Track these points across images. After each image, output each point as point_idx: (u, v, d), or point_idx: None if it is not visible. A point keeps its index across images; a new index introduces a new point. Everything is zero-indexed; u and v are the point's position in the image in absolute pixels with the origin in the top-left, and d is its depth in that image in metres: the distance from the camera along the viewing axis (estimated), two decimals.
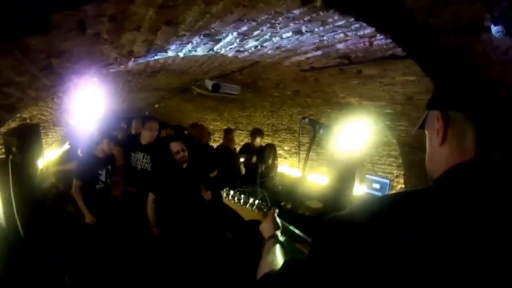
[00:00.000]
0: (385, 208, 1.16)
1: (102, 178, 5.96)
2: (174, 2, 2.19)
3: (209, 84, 7.15)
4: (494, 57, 3.40)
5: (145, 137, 6.55)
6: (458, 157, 1.26)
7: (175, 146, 5.42)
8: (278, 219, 2.26)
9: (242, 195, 2.43)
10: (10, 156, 4.54)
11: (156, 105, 13.05)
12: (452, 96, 1.36)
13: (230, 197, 2.44)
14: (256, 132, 8.61)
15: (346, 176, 7.36)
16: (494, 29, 2.73)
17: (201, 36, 3.14)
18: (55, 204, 7.05)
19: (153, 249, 5.56)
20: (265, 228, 2.20)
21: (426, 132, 1.44)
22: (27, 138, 4.89)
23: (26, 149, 4.81)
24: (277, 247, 1.95)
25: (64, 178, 7.25)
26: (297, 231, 2.48)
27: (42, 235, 5.31)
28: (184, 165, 5.48)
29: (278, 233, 2.12)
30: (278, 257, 1.83)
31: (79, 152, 7.14)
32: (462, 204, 1.10)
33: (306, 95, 7.66)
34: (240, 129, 12.95)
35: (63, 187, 7.36)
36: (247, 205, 2.35)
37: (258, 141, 8.53)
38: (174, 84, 8.72)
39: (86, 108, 5.99)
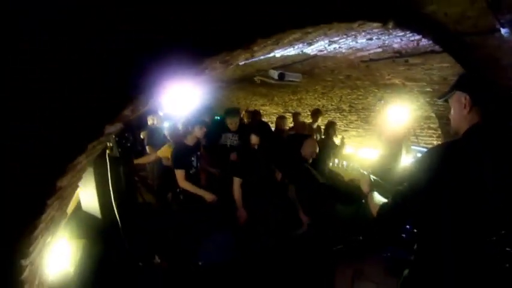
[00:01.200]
0: (446, 146, 2.37)
1: (194, 164, 6.26)
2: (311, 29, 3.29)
3: (274, 74, 7.80)
4: (507, 49, 4.67)
5: (232, 125, 7.32)
6: (475, 121, 2.32)
7: (254, 139, 6.12)
8: (372, 177, 3.20)
9: (345, 163, 3.46)
10: (107, 151, 4.62)
11: (208, 95, 13.42)
12: (475, 87, 2.40)
13: (336, 164, 3.47)
14: (317, 113, 9.50)
15: (394, 148, 8.11)
16: (503, 30, 3.97)
17: (304, 44, 4.21)
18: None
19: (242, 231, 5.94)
20: (364, 186, 3.15)
21: (453, 103, 2.46)
22: (125, 132, 5.20)
23: (123, 144, 5.13)
24: (376, 195, 2.94)
25: (155, 171, 7.70)
26: (382, 182, 3.25)
27: (134, 225, 5.48)
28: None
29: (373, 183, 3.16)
30: (380, 198, 2.84)
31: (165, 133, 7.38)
32: (479, 144, 2.22)
33: (357, 78, 8.41)
34: (290, 112, 13.31)
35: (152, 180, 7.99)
36: (349, 169, 3.39)
37: (320, 120, 9.40)
38: (236, 75, 9.42)
39: (180, 101, 6.80)
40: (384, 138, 8.41)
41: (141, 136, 8.69)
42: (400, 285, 2.52)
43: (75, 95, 1.89)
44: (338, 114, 11.51)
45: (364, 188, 3.10)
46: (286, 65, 7.48)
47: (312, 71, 8.30)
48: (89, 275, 3.79)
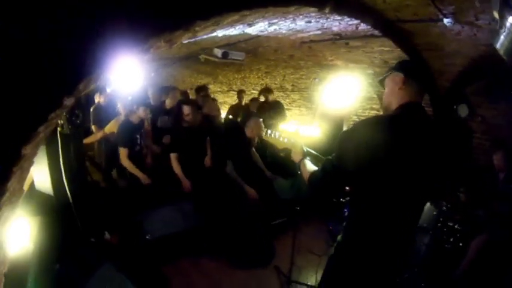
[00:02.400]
0: (373, 120, 2.60)
1: (138, 141, 6.51)
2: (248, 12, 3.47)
3: (218, 52, 7.88)
4: (450, 36, 5.04)
5: (169, 104, 7.65)
6: (405, 100, 2.60)
7: (186, 109, 6.28)
8: (305, 148, 3.41)
9: (277, 133, 3.66)
10: (58, 128, 4.60)
11: (153, 74, 12.88)
12: (409, 70, 2.66)
13: (268, 134, 3.68)
14: (267, 91, 9.88)
15: (334, 126, 8.39)
16: (445, 20, 4.29)
17: (245, 25, 4.37)
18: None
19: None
20: (296, 154, 3.35)
21: (388, 82, 2.72)
22: (75, 109, 5.06)
23: (73, 121, 4.98)
24: (308, 162, 3.20)
25: (103, 149, 7.70)
26: (314, 152, 3.48)
27: (86, 201, 5.37)
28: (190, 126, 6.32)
29: (306, 153, 3.41)
30: (311, 166, 3.08)
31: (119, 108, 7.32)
32: (407, 120, 2.51)
33: (300, 58, 8.70)
34: (234, 90, 13.68)
35: (99, 157, 8.00)
36: (281, 138, 3.60)
37: (270, 98, 9.77)
38: (182, 53, 9.48)
39: (125, 79, 6.80)
40: (323, 117, 8.72)
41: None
42: (334, 249, 2.76)
43: (37, 69, 1.99)
44: (281, 93, 11.75)
45: (296, 156, 3.30)
46: (231, 44, 7.61)
47: (255, 50, 8.52)
48: (46, 252, 3.85)
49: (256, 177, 6.64)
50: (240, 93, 10.77)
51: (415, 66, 2.73)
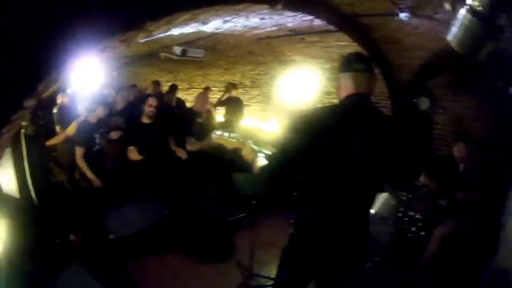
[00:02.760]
0: (321, 109, 2.78)
1: (97, 141, 6.53)
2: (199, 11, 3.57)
3: (177, 49, 7.98)
4: (408, 30, 5.21)
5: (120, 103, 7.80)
6: (352, 90, 2.74)
7: (150, 100, 6.31)
8: (253, 146, 3.54)
9: (226, 133, 3.76)
10: (22, 130, 4.62)
11: (114, 72, 12.92)
12: (340, 65, 2.86)
13: (218, 134, 3.78)
14: (233, 86, 10.14)
15: None
16: (402, 14, 4.45)
17: (199, 23, 4.44)
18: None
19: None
20: (248, 154, 3.49)
21: (339, 76, 2.86)
22: (38, 111, 5.06)
23: (37, 122, 5.06)
24: (260, 159, 3.36)
25: (66, 150, 7.51)
26: (266, 151, 3.64)
27: (51, 202, 5.42)
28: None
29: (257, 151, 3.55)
30: (264, 161, 3.24)
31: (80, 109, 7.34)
32: (350, 109, 2.69)
33: (259, 54, 8.82)
34: (194, 88, 13.84)
35: (63, 158, 7.75)
36: (231, 138, 3.69)
37: (234, 93, 10.02)
38: (142, 51, 9.52)
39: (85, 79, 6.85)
40: (282, 112, 8.86)
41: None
42: (290, 234, 2.94)
43: None
44: (241, 89, 11.77)
45: (248, 155, 3.43)
46: (190, 41, 7.68)
47: (215, 47, 8.56)
48: (15, 253, 3.85)
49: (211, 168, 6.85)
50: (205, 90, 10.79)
51: (345, 60, 2.88)
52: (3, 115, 2.15)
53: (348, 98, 2.76)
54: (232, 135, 3.60)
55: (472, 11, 2.86)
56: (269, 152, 3.41)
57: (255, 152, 3.43)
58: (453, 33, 3.27)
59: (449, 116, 7.39)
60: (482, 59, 3.31)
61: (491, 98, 6.45)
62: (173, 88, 10.59)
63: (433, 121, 7.70)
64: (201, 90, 10.67)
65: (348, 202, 2.69)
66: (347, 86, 2.76)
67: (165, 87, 13.27)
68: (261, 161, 3.29)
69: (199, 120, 7.11)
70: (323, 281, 3.03)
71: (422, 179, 5.81)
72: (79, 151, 6.26)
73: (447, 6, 3.19)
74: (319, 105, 2.89)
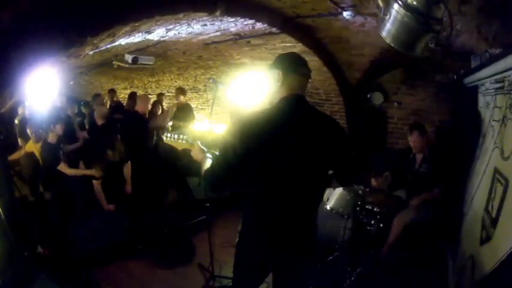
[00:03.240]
0: (257, 113, 2.86)
1: (60, 157, 6.68)
2: (138, 23, 3.72)
3: (129, 58, 8.05)
4: (354, 28, 5.34)
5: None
6: (286, 92, 2.82)
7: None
8: (202, 146, 3.60)
9: (176, 135, 3.89)
10: None
11: (71, 82, 13.32)
12: (285, 63, 2.93)
13: (168, 137, 3.91)
14: (181, 91, 10.16)
15: None
16: (345, 13, 4.59)
17: (143, 33, 4.62)
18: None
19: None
20: (196, 154, 3.55)
21: (270, 79, 2.90)
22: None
23: None
24: (208, 160, 3.44)
25: (28, 163, 7.55)
26: (214, 152, 3.71)
27: (16, 215, 5.28)
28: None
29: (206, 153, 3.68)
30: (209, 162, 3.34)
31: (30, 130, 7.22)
32: (287, 110, 2.81)
33: (208, 58, 8.93)
34: (150, 94, 13.58)
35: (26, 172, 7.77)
36: (180, 140, 3.83)
37: (182, 98, 10.05)
38: (96, 60, 9.53)
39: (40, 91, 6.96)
40: (233, 114, 8.99)
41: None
42: (238, 232, 3.08)
43: None
44: (195, 93, 12.08)
45: (196, 155, 3.53)
46: (141, 49, 7.74)
47: (165, 53, 8.67)
48: None
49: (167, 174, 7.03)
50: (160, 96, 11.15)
51: (291, 61, 2.93)
52: None
53: (288, 98, 2.84)
54: (181, 136, 3.73)
55: (405, 5, 2.86)
56: (216, 153, 3.42)
57: (204, 152, 3.49)
58: (387, 29, 3.23)
59: (405, 110, 7.62)
60: (420, 53, 3.30)
61: (446, 90, 6.71)
62: (132, 96, 10.63)
63: (387, 116, 7.92)
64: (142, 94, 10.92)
65: (291, 198, 2.82)
66: (288, 87, 2.84)
67: (121, 95, 13.39)
68: (209, 162, 3.41)
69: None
70: (278, 273, 3.21)
71: (373, 180, 5.99)
72: (62, 167, 6.46)
73: (380, 1, 3.16)
74: (259, 108, 3.02)
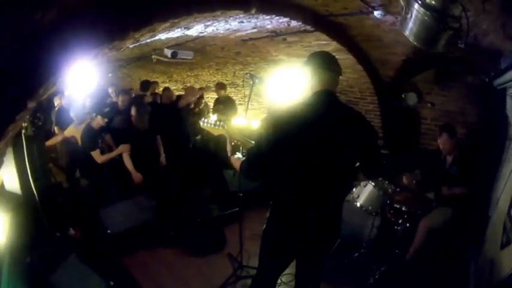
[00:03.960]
0: (290, 107, 3.07)
1: (99, 144, 6.78)
2: (178, 20, 3.93)
3: (168, 52, 8.22)
4: (385, 27, 5.41)
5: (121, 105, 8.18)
6: (318, 87, 3.02)
7: (132, 110, 6.91)
8: (240, 155, 3.80)
9: (212, 121, 4.07)
10: (23, 131, 4.80)
11: (110, 74, 13.49)
12: (316, 62, 3.12)
13: (205, 123, 4.10)
14: (221, 86, 10.53)
15: None
16: (376, 12, 4.68)
17: (182, 29, 4.81)
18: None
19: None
20: (235, 162, 3.66)
21: (305, 75, 3.13)
22: (37, 112, 5.33)
23: (36, 123, 5.33)
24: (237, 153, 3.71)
25: (64, 150, 8.05)
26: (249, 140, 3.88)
27: (51, 199, 5.72)
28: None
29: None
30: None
31: (72, 115, 7.47)
32: (320, 103, 3.00)
33: (246, 55, 9.11)
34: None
35: (62, 159, 8.30)
36: (217, 126, 4.02)
37: (222, 93, 10.41)
38: (135, 54, 9.84)
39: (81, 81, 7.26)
40: (268, 111, 9.13)
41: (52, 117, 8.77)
42: (267, 218, 3.30)
43: (3, 76, 2.39)
44: (233, 89, 12.25)
45: (235, 163, 3.66)
46: (180, 44, 7.95)
47: (203, 48, 8.87)
48: (17, 246, 4.08)
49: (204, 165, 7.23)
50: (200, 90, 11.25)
51: (321, 59, 3.13)
52: (9, 115, 2.48)
53: (319, 93, 3.04)
54: (217, 122, 3.93)
55: (424, 4, 2.99)
56: (251, 142, 3.67)
57: (236, 137, 3.78)
58: (409, 28, 3.37)
59: (438, 111, 7.60)
60: (441, 51, 3.41)
61: (478, 92, 6.63)
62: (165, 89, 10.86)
63: (421, 116, 7.90)
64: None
65: (317, 189, 3.03)
66: (320, 82, 3.04)
67: (160, 88, 13.65)
68: (238, 155, 3.63)
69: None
70: (300, 261, 3.48)
71: (404, 178, 6.03)
72: (95, 154, 6.57)
73: (401, 1, 3.30)
74: (291, 103, 3.21)
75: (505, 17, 3.23)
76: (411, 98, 7.55)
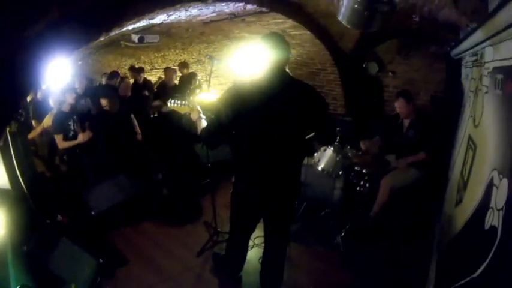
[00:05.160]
0: (246, 82, 3.50)
1: (72, 127, 6.96)
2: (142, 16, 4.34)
3: (135, 38, 8.66)
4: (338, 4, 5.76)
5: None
6: (271, 64, 3.31)
7: (103, 102, 7.22)
8: (199, 109, 4.22)
9: (178, 101, 4.42)
10: (8, 128, 4.67)
11: (80, 62, 13.70)
12: (267, 43, 3.41)
13: (172, 103, 4.45)
14: (184, 65, 10.95)
15: None
16: None
17: (147, 20, 5.20)
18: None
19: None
20: (194, 115, 4.20)
21: (259, 54, 3.41)
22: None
23: (19, 119, 5.32)
24: (203, 121, 4.08)
25: (44, 141, 8.23)
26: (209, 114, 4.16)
27: (38, 190, 5.71)
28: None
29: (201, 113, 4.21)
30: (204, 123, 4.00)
31: (51, 102, 7.64)
32: (273, 78, 3.35)
33: (210, 33, 9.39)
34: (156, 68, 14.63)
35: (41, 150, 8.44)
36: (181, 105, 4.38)
37: (185, 71, 10.78)
38: (104, 42, 9.74)
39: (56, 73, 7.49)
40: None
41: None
42: (233, 183, 3.80)
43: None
44: (199, 66, 12.63)
45: (194, 116, 4.17)
46: (146, 28, 8.25)
47: (169, 31, 9.15)
48: (14, 236, 4.25)
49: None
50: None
51: (271, 40, 3.42)
52: (8, 114, 2.87)
53: (271, 69, 3.36)
54: (183, 102, 4.29)
55: None
56: (210, 116, 3.95)
57: (199, 113, 4.14)
58: (342, 13, 3.80)
59: (400, 79, 8.02)
60: (376, 29, 3.82)
61: (440, 61, 7.01)
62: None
63: (383, 84, 8.31)
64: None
65: (275, 154, 3.45)
66: (271, 60, 3.33)
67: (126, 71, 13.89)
68: (204, 122, 4.05)
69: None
70: (267, 219, 3.94)
71: (361, 143, 6.39)
72: (57, 137, 6.82)
73: None
74: (248, 79, 3.58)
75: None
76: (372, 67, 7.96)
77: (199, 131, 3.98)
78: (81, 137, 6.86)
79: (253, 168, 3.54)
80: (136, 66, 11.84)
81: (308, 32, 7.26)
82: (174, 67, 11.87)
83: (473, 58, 4.13)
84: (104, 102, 7.19)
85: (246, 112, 3.32)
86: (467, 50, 4.20)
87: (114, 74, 10.93)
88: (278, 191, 3.62)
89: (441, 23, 4.68)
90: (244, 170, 3.64)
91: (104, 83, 10.80)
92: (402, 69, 7.87)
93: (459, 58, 5.37)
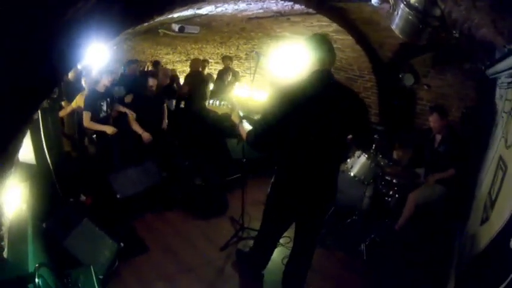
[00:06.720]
0: (293, 84, 3.38)
1: (104, 108, 7.01)
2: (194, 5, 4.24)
3: (176, 27, 8.57)
4: (383, 13, 5.55)
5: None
6: (317, 66, 3.27)
7: (151, 81, 7.31)
8: (240, 113, 4.09)
9: (217, 101, 4.32)
10: None
11: (115, 47, 12.91)
12: (313, 45, 3.35)
13: (210, 103, 4.34)
14: (228, 58, 11.02)
15: None
16: (373, 1, 4.90)
17: (195, 9, 5.13)
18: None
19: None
20: (235, 118, 4.03)
21: (303, 55, 3.38)
22: None
23: (51, 95, 5.12)
24: (245, 123, 3.96)
25: (74, 121, 8.13)
26: (251, 117, 4.25)
27: (64, 168, 5.69)
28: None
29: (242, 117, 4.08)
30: (248, 126, 3.81)
31: (83, 82, 7.81)
32: (319, 81, 3.30)
33: (251, 30, 9.34)
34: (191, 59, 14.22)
35: (69, 130, 8.37)
36: (222, 105, 4.26)
37: (230, 65, 10.89)
38: (142, 28, 9.74)
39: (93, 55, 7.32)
40: (272, 84, 9.35)
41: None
42: (271, 183, 3.68)
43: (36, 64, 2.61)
44: (236, 61, 12.48)
45: (235, 119, 4.01)
46: (187, 19, 8.04)
47: (209, 24, 9.07)
48: (35, 212, 4.28)
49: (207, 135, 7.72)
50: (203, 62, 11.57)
51: (318, 42, 3.38)
52: (48, 90, 2.78)
53: (317, 72, 3.31)
54: (222, 102, 4.17)
55: (408, 4, 3.36)
56: (254, 118, 3.95)
57: (240, 118, 3.99)
58: (395, 23, 3.80)
59: (433, 93, 7.82)
60: (424, 42, 3.83)
61: (475, 79, 6.81)
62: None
63: (417, 97, 8.12)
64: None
65: (316, 158, 3.39)
66: (317, 63, 3.30)
67: (164, 59, 13.83)
68: (246, 125, 3.88)
69: None
70: (300, 223, 3.87)
71: (395, 153, 6.32)
72: (86, 115, 6.75)
73: (390, 0, 3.64)
74: (294, 79, 3.49)
75: (495, 14, 3.35)
76: (408, 79, 7.79)
77: (242, 134, 3.81)
78: (108, 129, 6.84)
79: (297, 171, 3.47)
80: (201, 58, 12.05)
81: (350, 38, 7.15)
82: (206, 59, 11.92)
83: (510, 80, 4.05)
84: (151, 82, 7.35)
85: (295, 115, 3.26)
86: (504, 70, 4.13)
87: (156, 62, 11.30)
88: (318, 196, 3.59)
89: (478, 40, 4.52)
90: (285, 172, 3.57)
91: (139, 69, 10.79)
92: (436, 83, 7.68)
93: (494, 78, 5.20)
